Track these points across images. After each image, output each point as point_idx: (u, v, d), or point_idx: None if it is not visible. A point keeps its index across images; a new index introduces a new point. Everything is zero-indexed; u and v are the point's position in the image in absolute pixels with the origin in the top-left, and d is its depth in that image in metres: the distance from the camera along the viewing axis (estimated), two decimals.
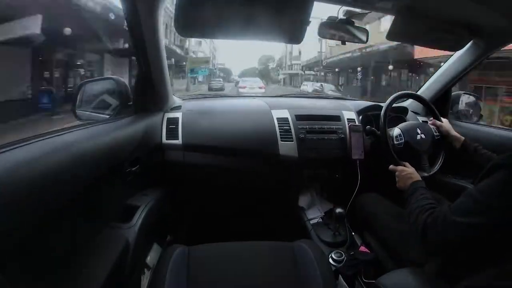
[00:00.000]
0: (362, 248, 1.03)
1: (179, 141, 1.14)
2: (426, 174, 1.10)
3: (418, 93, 1.40)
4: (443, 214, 0.66)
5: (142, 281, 0.94)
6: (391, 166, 1.01)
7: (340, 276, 0.98)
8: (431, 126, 1.16)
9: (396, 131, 1.14)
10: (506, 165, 0.61)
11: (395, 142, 1.13)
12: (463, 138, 1.09)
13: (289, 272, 0.78)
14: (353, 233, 1.14)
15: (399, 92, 1.21)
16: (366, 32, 1.13)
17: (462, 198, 0.66)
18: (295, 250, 0.84)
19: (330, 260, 1.00)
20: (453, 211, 0.65)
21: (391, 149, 1.09)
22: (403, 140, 1.11)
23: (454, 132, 1.11)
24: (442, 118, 1.16)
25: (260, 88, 12.88)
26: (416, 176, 0.91)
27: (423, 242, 0.70)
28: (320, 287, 0.72)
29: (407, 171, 0.94)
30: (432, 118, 1.17)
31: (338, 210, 1.09)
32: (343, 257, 1.01)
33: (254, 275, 0.78)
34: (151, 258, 1.02)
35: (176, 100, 1.32)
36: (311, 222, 1.19)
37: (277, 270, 0.79)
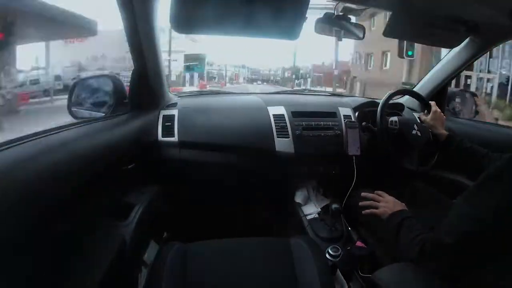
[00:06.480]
0: (359, 243, 1.04)
1: (175, 138, 1.13)
2: (413, 168, 1.11)
3: (415, 89, 1.41)
4: (438, 239, 0.65)
5: (139, 279, 0.94)
6: (363, 193, 1.02)
7: (337, 270, 0.99)
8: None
9: (393, 117, 1.18)
10: (499, 177, 0.61)
11: (390, 126, 1.16)
12: (446, 133, 1.10)
13: (286, 268, 0.79)
14: (349, 229, 1.15)
15: (396, 89, 1.24)
16: (362, 28, 1.13)
17: (458, 220, 0.64)
18: (292, 246, 0.85)
19: (327, 255, 1.00)
20: (447, 233, 0.64)
21: (385, 138, 1.11)
22: (397, 127, 1.14)
23: (439, 129, 1.12)
24: (438, 111, 1.16)
25: None
26: (401, 205, 0.91)
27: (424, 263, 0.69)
28: (317, 282, 0.73)
29: (391, 198, 0.94)
30: (419, 115, 1.20)
31: (335, 205, 1.09)
32: (339, 252, 1.02)
33: (251, 271, 0.79)
34: (148, 256, 1.01)
35: (172, 97, 1.31)
36: (308, 217, 1.19)
37: (274, 266, 0.80)
